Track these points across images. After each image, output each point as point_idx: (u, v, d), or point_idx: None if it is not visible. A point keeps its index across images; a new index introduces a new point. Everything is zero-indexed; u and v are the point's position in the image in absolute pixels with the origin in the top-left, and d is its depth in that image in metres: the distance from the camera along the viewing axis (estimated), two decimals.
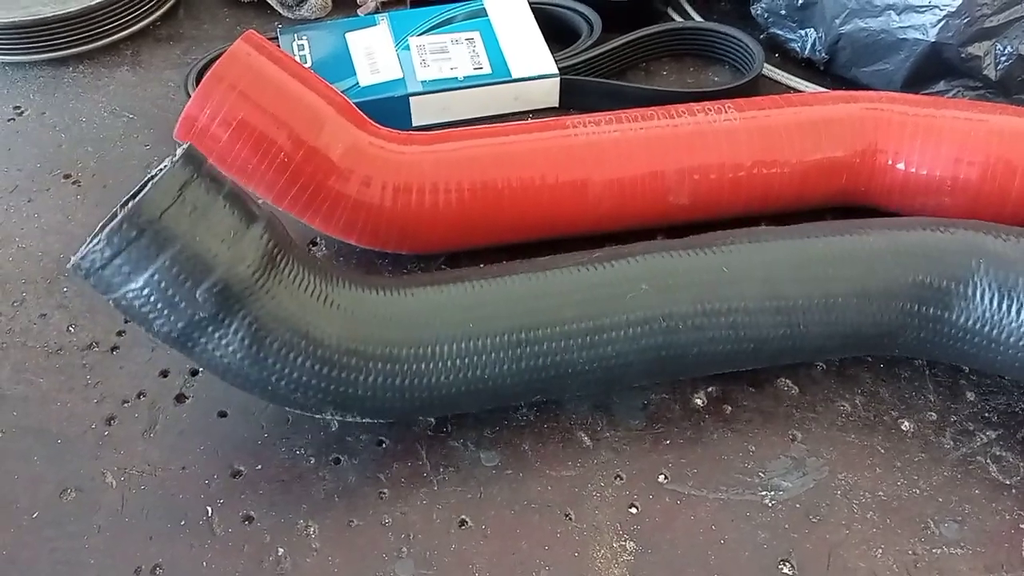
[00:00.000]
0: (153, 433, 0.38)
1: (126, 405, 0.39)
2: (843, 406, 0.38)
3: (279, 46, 0.53)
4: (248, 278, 0.32)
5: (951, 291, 0.34)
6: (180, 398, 0.39)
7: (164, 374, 0.40)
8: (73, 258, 0.30)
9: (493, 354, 0.34)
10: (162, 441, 0.38)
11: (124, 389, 0.39)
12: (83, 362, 0.40)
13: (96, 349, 0.41)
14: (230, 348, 0.32)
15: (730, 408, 0.38)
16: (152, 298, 0.30)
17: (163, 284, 0.30)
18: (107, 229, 0.29)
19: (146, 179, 0.33)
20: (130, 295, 0.31)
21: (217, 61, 0.39)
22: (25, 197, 0.48)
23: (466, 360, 0.34)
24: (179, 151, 0.32)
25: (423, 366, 0.33)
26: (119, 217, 0.30)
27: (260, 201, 0.38)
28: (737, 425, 0.37)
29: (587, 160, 0.42)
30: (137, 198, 0.30)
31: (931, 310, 0.34)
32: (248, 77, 0.39)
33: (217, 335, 0.32)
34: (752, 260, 0.35)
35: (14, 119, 0.53)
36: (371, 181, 0.40)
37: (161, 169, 0.32)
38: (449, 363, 0.34)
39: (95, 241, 0.30)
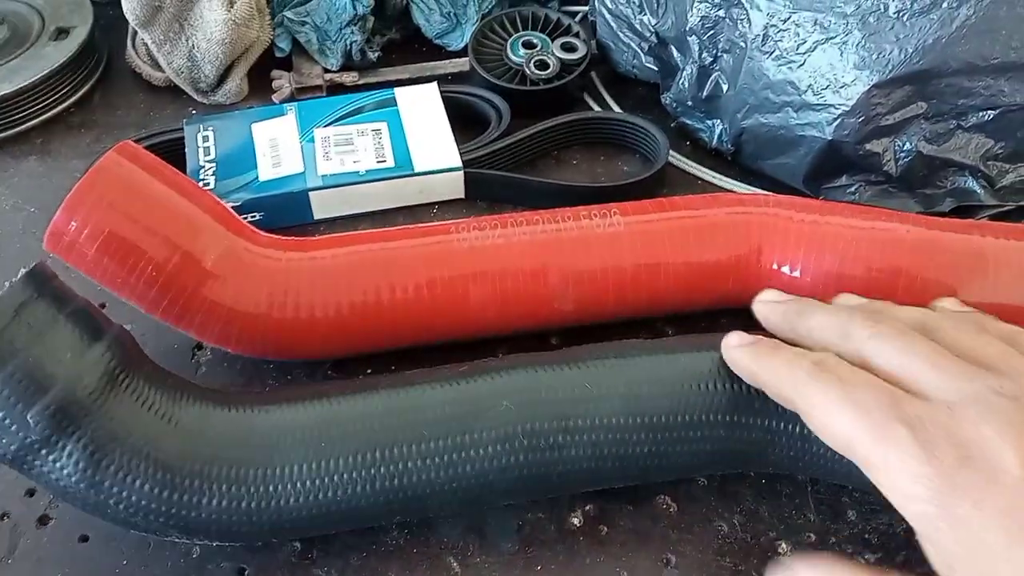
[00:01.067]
0: (12, 560, 0.37)
1: None
2: (721, 526, 0.37)
3: (185, 136, 0.53)
4: (84, 399, 0.31)
5: None
6: (43, 520, 0.38)
7: (31, 493, 0.39)
8: None
9: (345, 474, 0.33)
10: (20, 569, 0.36)
11: None
12: None
13: None
14: (64, 471, 0.31)
15: (606, 529, 0.37)
16: None
17: None
18: None
19: None
20: None
21: (86, 174, 0.38)
22: None
23: (316, 481, 0.33)
24: (23, 271, 0.32)
25: (271, 488, 0.32)
26: None
27: (128, 311, 0.38)
28: (612, 548, 0.36)
29: (468, 265, 0.41)
30: None
31: (798, 429, 0.33)
32: (118, 188, 0.38)
33: (51, 458, 0.31)
34: (616, 376, 0.34)
35: None
36: (246, 289, 0.39)
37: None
38: (299, 484, 0.33)
39: None
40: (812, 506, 0.37)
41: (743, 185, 0.52)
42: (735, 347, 0.33)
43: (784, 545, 0.36)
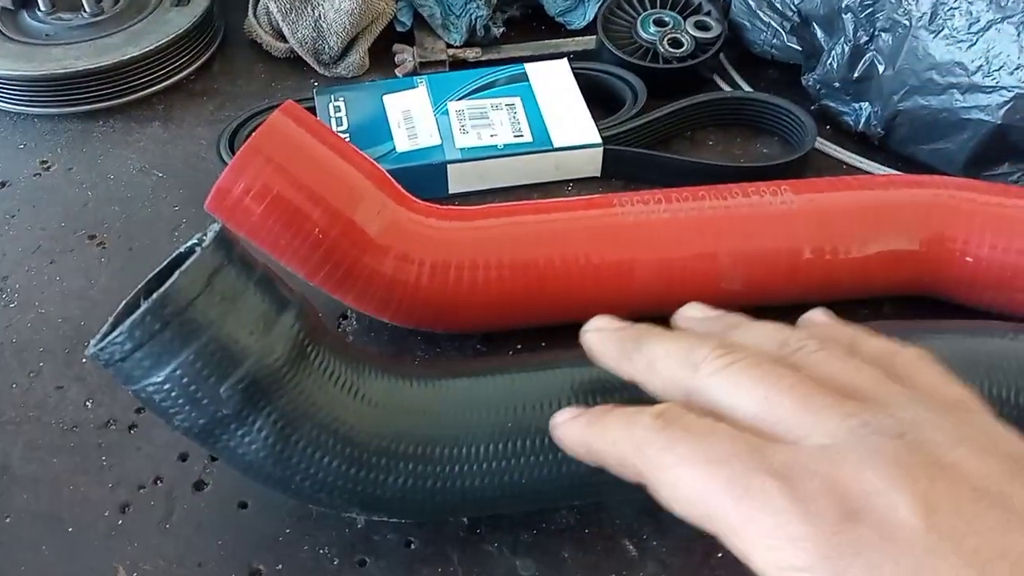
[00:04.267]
0: (169, 524, 0.36)
1: (142, 491, 0.37)
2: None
3: (316, 106, 0.52)
4: (276, 372, 0.29)
5: None
6: (199, 485, 0.37)
7: (183, 457, 0.38)
8: (91, 346, 0.28)
9: (532, 457, 0.31)
10: (178, 533, 0.35)
11: (141, 473, 0.37)
12: (99, 441, 0.38)
13: (113, 427, 0.39)
14: (253, 446, 0.30)
15: None
16: (173, 393, 0.28)
17: (185, 379, 0.28)
18: (129, 321, 0.27)
19: (173, 256, 0.31)
20: (150, 388, 0.28)
21: (254, 133, 0.37)
22: (48, 258, 0.47)
23: (503, 462, 0.31)
24: (210, 233, 0.30)
25: (457, 468, 0.31)
26: (143, 308, 0.28)
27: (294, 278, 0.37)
28: None
29: (634, 241, 0.39)
30: (164, 287, 0.28)
31: None
32: (285, 150, 0.37)
33: (240, 433, 0.29)
34: None
35: (40, 174, 0.52)
36: (408, 258, 0.38)
37: (191, 247, 0.30)
38: (485, 465, 0.31)
39: (116, 333, 0.28)
40: None
41: (890, 171, 0.50)
42: (561, 424, 0.28)
43: None
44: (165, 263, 0.31)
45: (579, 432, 0.28)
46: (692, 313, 0.31)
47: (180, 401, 0.29)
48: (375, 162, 0.40)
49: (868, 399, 0.23)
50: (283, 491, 0.32)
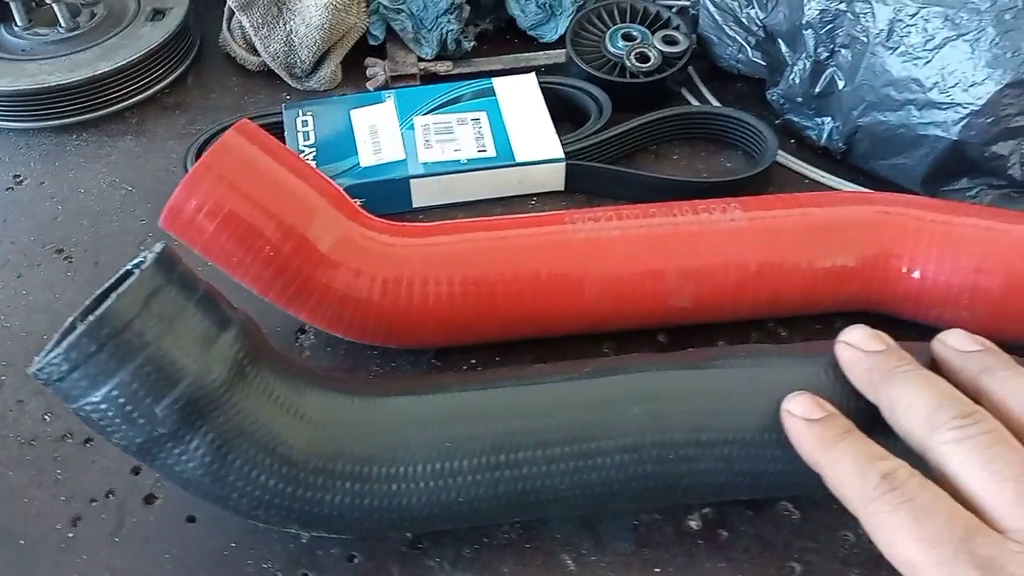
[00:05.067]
0: (119, 537, 0.36)
1: (94, 504, 0.37)
2: (847, 535, 0.35)
3: (284, 121, 0.52)
4: (213, 392, 0.30)
5: None
6: (149, 499, 0.37)
7: (136, 471, 0.38)
8: (31, 367, 0.29)
9: (470, 476, 0.32)
10: (127, 547, 0.36)
11: (94, 487, 0.38)
12: (55, 455, 0.39)
13: (70, 441, 0.40)
14: (190, 464, 0.30)
15: (726, 534, 0.36)
16: (110, 413, 0.29)
17: (122, 400, 0.29)
18: (66, 342, 0.28)
19: (118, 275, 0.31)
20: (88, 407, 0.29)
21: (206, 151, 0.38)
22: (15, 272, 0.47)
23: (440, 482, 0.32)
24: (150, 254, 0.31)
25: (394, 486, 0.32)
26: (79, 329, 0.28)
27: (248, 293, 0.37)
28: (733, 553, 0.35)
29: (584, 258, 0.40)
30: (100, 308, 0.29)
31: None
32: (237, 168, 0.37)
33: (176, 451, 0.30)
34: (751, 386, 0.33)
35: (12, 188, 0.52)
36: (360, 274, 0.39)
37: (133, 267, 0.31)
38: (422, 484, 0.32)
39: (52, 354, 0.28)
40: None
41: (852, 185, 0.50)
42: (796, 416, 0.31)
43: None
44: (110, 282, 0.31)
45: (809, 446, 0.30)
46: (954, 343, 0.31)
47: (117, 420, 0.29)
48: (330, 179, 0.40)
49: None
50: (222, 507, 0.32)
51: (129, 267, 0.31)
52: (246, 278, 0.38)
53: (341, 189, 0.41)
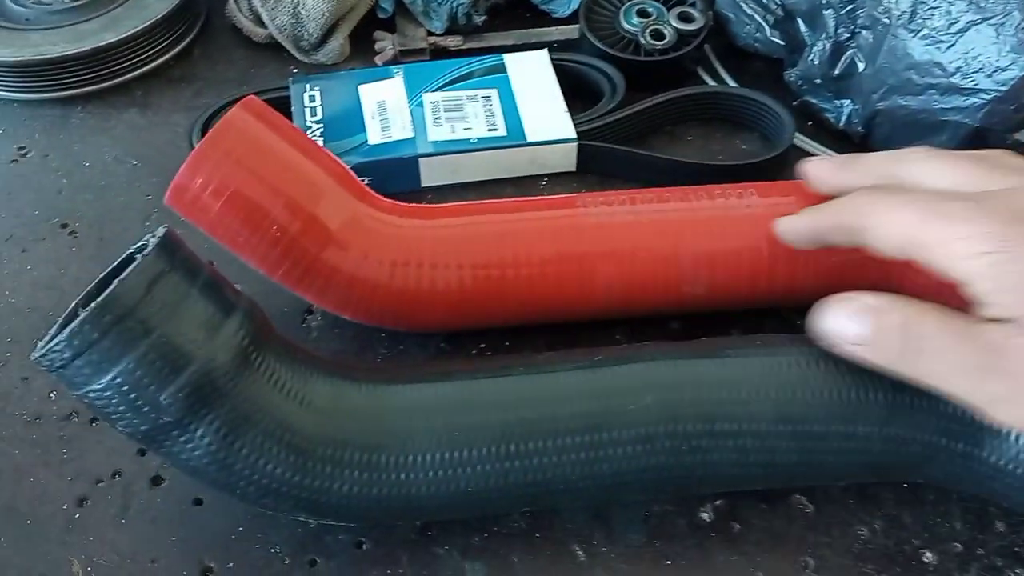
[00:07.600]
0: (125, 519, 0.36)
1: (100, 485, 0.37)
2: (861, 531, 0.35)
3: (290, 95, 0.51)
4: (218, 379, 0.29)
5: (983, 428, 0.31)
6: (156, 480, 0.37)
7: (142, 452, 0.38)
8: (34, 353, 0.29)
9: (479, 466, 0.31)
10: (134, 528, 0.36)
11: (99, 467, 0.38)
12: (60, 434, 0.39)
13: (75, 420, 0.39)
14: (196, 452, 0.30)
15: (738, 526, 0.35)
16: (114, 400, 0.28)
17: (126, 387, 0.28)
18: (68, 329, 0.28)
19: (121, 259, 0.31)
20: (91, 394, 0.29)
21: (212, 128, 0.37)
22: (20, 247, 0.47)
23: (449, 472, 0.31)
24: (153, 239, 0.30)
25: (403, 476, 0.31)
26: (81, 316, 0.28)
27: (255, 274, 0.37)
28: (745, 546, 0.35)
29: (596, 242, 0.39)
30: (103, 295, 0.28)
31: (960, 446, 0.31)
32: (244, 146, 0.37)
33: (182, 439, 0.30)
34: (766, 376, 0.32)
35: (17, 160, 0.52)
36: (369, 255, 0.38)
37: (136, 251, 0.30)
38: (431, 474, 0.31)
39: (55, 341, 0.28)
40: (958, 514, 0.35)
41: None
42: (788, 220, 0.36)
43: (929, 554, 0.34)
44: (112, 267, 0.31)
45: (805, 220, 0.36)
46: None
47: (121, 408, 0.29)
48: (338, 158, 0.40)
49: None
50: (229, 495, 0.32)
51: (131, 251, 0.31)
52: (252, 258, 0.38)
53: (348, 168, 0.40)
